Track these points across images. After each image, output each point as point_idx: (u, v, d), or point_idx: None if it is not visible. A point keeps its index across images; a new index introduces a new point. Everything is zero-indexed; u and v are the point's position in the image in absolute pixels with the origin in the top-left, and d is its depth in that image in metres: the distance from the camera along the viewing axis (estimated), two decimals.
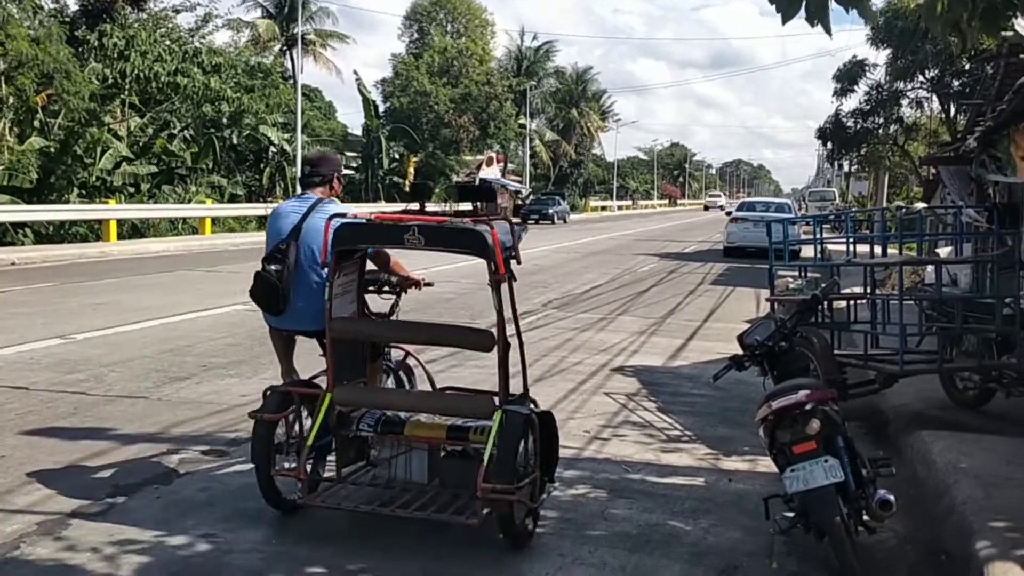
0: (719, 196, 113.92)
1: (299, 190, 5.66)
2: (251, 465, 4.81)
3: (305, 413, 4.93)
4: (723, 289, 17.23)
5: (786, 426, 4.32)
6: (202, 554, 4.30)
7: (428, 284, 5.76)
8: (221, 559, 4.25)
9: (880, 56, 30.73)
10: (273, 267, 5.13)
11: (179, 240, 26.21)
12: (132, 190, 28.87)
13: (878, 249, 8.57)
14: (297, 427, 4.90)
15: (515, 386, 4.73)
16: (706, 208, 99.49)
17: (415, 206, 4.74)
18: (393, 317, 5.63)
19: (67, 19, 29.81)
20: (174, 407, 6.98)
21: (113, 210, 25.20)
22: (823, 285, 6.68)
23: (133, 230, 27.13)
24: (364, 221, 4.70)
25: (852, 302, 8.15)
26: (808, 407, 4.27)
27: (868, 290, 7.94)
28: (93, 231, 25.26)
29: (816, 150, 77.38)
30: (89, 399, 7.16)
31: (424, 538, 4.55)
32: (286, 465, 4.78)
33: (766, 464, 5.36)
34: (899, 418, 7.12)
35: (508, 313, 4.54)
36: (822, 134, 33.74)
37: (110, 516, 4.73)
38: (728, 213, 29.93)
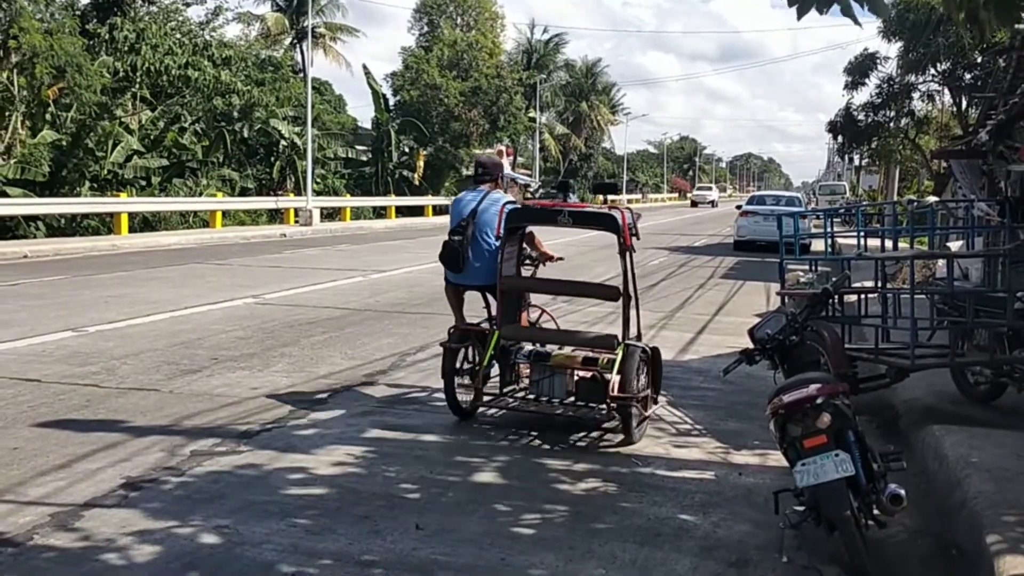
0: (709, 189, 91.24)
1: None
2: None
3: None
4: (733, 283, 17.20)
5: (797, 420, 4.32)
6: (214, 546, 4.32)
7: (560, 259, 7.40)
8: (232, 550, 4.27)
9: (891, 49, 30.72)
10: (456, 238, 6.90)
11: (190, 233, 26.27)
12: (143, 183, 28.97)
13: (889, 243, 8.54)
14: (470, 355, 6.70)
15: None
16: (693, 204, 79.30)
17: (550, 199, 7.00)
18: None
19: (78, 12, 29.88)
20: (185, 400, 7.01)
21: (124, 203, 25.27)
22: (834, 279, 6.68)
23: (144, 223, 27.24)
24: (529, 206, 6.73)
25: (863, 296, 8.12)
26: (819, 401, 4.27)
27: (879, 284, 7.91)
28: (105, 224, 25.36)
29: (826, 143, 77.18)
30: (101, 391, 7.20)
31: (433, 533, 4.56)
32: (464, 382, 6.60)
33: (776, 458, 5.36)
34: (910, 412, 7.11)
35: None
36: (833, 127, 33.60)
37: (123, 508, 4.76)
38: (738, 207, 29.82)
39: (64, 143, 26.42)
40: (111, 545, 4.28)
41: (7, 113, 25.49)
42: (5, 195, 23.30)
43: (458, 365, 6.58)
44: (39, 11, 26.65)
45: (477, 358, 6.59)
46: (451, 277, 7.09)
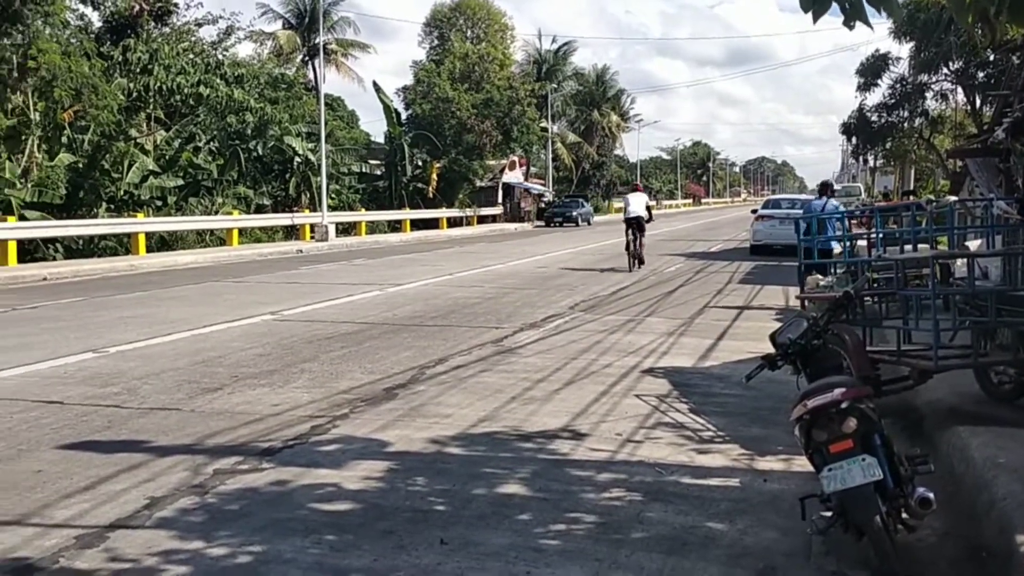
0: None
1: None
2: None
3: None
4: (751, 288, 17.13)
5: (822, 425, 4.27)
6: (240, 564, 4.31)
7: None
8: (258, 569, 4.26)
9: (903, 49, 30.57)
10: None
11: (207, 252, 26.41)
12: (159, 203, 29.20)
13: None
14: None
15: None
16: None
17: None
18: None
19: (92, 34, 30.15)
20: (207, 418, 7.02)
21: (141, 223, 25.48)
22: (855, 281, 6.63)
23: (161, 243, 27.42)
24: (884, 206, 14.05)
25: (883, 298, 8.06)
26: (844, 405, 4.23)
27: (899, 286, 7.85)
28: (122, 245, 25.55)
29: (840, 145, 76.97)
30: (123, 412, 7.23)
31: (459, 547, 4.54)
32: None
33: (801, 463, 5.32)
34: (934, 414, 7.04)
35: None
36: (846, 129, 33.58)
37: (148, 528, 4.75)
38: (753, 211, 29.82)
39: (80, 165, 26.65)
40: (137, 566, 4.28)
41: (24, 137, 25.72)
42: (24, 218, 23.49)
43: None
44: (55, 34, 26.88)
45: None
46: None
